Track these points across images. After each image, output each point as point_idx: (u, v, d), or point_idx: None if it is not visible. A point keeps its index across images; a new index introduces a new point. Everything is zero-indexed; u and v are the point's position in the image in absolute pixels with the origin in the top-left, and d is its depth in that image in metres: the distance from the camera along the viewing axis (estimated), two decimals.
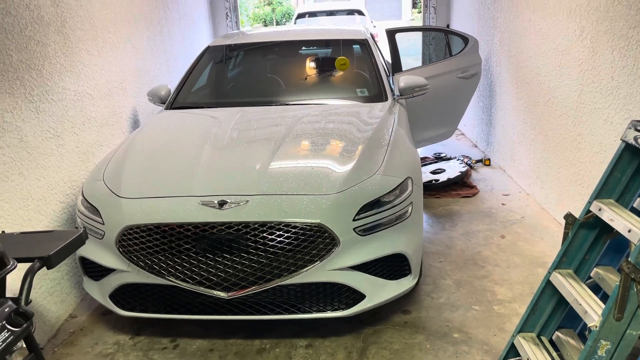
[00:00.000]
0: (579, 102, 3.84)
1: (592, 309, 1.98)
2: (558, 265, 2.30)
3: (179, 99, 4.23)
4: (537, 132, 4.68)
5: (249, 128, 3.52)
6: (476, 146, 6.70)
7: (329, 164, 2.99)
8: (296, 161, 3.05)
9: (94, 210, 2.91)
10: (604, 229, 2.23)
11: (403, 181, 2.96)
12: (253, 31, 5.12)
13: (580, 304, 2.03)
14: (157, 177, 2.99)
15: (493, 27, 5.82)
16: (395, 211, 2.86)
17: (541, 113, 4.55)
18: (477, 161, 5.97)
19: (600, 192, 2.19)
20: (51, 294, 3.17)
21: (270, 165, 2.98)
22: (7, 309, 1.62)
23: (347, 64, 4.18)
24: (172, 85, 5.39)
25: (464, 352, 2.82)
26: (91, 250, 2.94)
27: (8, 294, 1.80)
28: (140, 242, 2.77)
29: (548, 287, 2.33)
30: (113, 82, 4.13)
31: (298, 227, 2.68)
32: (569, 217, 2.26)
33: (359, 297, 2.84)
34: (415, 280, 3.05)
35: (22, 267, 1.86)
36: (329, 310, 2.83)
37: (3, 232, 2.17)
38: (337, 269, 2.75)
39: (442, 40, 7.75)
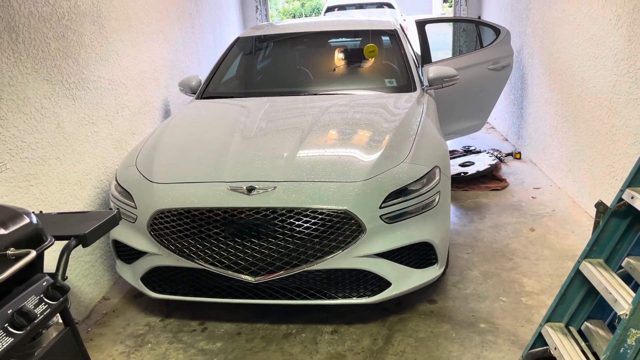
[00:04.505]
0: (614, 92, 3.75)
1: (622, 298, 1.95)
2: (588, 254, 2.26)
3: (209, 89, 4.30)
4: (569, 125, 4.59)
5: (277, 117, 3.55)
6: (507, 140, 6.61)
7: (356, 153, 3.00)
8: (323, 149, 3.07)
9: (127, 194, 2.99)
10: (637, 217, 2.19)
11: (430, 170, 2.95)
12: (282, 23, 5.16)
13: (610, 293, 2.00)
14: (188, 163, 3.06)
15: (526, 18, 5.72)
16: (422, 200, 2.86)
17: (574, 105, 4.46)
18: (508, 154, 5.89)
19: (634, 180, 2.15)
20: (85, 276, 3.27)
21: (298, 153, 3.01)
22: (45, 282, 1.68)
23: (376, 51, 4.16)
24: (203, 76, 5.48)
25: (490, 342, 2.81)
26: (124, 234, 3.03)
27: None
28: (171, 226, 2.83)
29: (577, 277, 2.30)
30: (146, 72, 4.22)
31: (325, 213, 2.71)
32: (600, 205, 2.22)
33: (384, 284, 2.85)
34: (442, 269, 3.04)
35: (59, 245, 1.93)
36: (354, 296, 2.85)
37: (41, 212, 2.25)
38: (363, 256, 2.77)
39: (473, 32, 7.65)
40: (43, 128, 2.90)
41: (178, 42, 5.03)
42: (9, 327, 1.46)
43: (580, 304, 2.33)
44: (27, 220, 1.64)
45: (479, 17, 7.71)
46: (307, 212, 2.71)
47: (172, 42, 4.88)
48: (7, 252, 1.51)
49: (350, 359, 2.74)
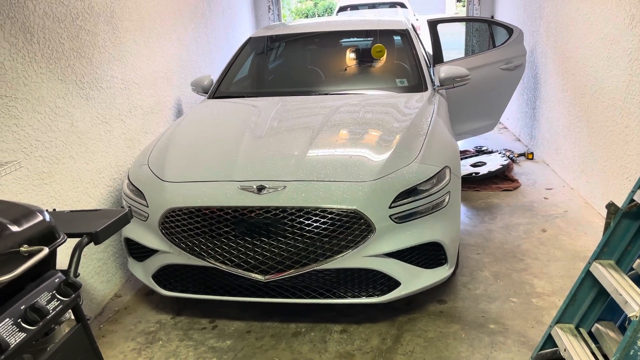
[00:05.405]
0: (627, 93, 3.71)
1: (632, 299, 1.93)
2: (599, 255, 2.25)
3: (221, 89, 4.33)
4: (582, 125, 4.55)
5: (288, 117, 3.57)
6: (519, 140, 6.56)
7: (366, 152, 3.00)
8: (333, 149, 3.07)
9: (139, 193, 3.03)
10: None
11: (440, 170, 2.94)
12: (294, 23, 5.17)
13: (621, 294, 1.99)
14: (199, 162, 3.08)
15: (539, 17, 5.68)
16: (432, 200, 2.86)
17: (587, 105, 4.42)
18: (520, 155, 5.85)
19: None
20: (98, 274, 3.31)
21: (308, 153, 3.02)
22: (57, 279, 1.71)
23: (384, 51, 4.16)
24: (215, 76, 5.52)
25: (500, 343, 2.80)
26: (136, 232, 3.06)
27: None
28: (181, 224, 2.86)
29: (588, 278, 2.28)
30: (158, 71, 4.26)
31: (334, 213, 2.71)
32: (611, 206, 2.20)
33: (393, 284, 2.85)
34: (452, 269, 3.03)
35: (72, 243, 1.96)
36: (363, 296, 2.86)
37: (54, 209, 2.28)
38: (373, 256, 2.77)
39: (486, 32, 7.61)
40: (57, 127, 2.94)
41: (191, 42, 5.07)
42: (21, 323, 1.49)
43: (591, 306, 2.31)
44: (40, 218, 1.66)
45: (492, 17, 7.66)
46: (317, 212, 2.72)
47: (185, 42, 4.92)
48: (21, 249, 1.54)
49: (359, 358, 2.75)
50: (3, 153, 2.55)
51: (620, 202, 3.81)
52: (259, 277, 2.80)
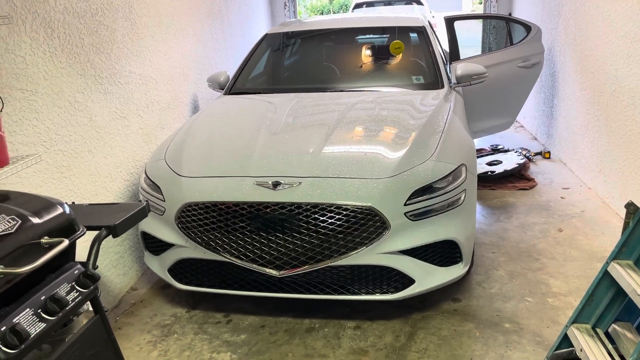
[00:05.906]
0: None
1: None
2: (617, 255, 2.22)
3: (237, 85, 4.35)
4: (601, 124, 4.50)
5: (304, 114, 3.57)
6: (536, 139, 6.50)
7: (381, 149, 3.00)
8: (349, 146, 3.07)
9: (156, 187, 3.06)
10: None
11: (456, 168, 2.93)
12: (310, 19, 5.17)
13: (639, 295, 1.96)
14: (215, 158, 3.10)
15: (558, 15, 5.61)
16: (448, 197, 2.84)
17: (606, 104, 4.37)
18: (537, 154, 5.79)
19: None
20: (115, 267, 3.35)
21: (323, 149, 3.02)
22: (77, 271, 1.74)
23: (402, 48, 4.15)
24: (231, 72, 5.54)
25: (515, 342, 2.78)
26: (152, 226, 3.09)
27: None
28: (198, 219, 2.88)
29: (605, 278, 2.26)
30: (175, 67, 4.29)
31: (349, 209, 2.72)
32: (630, 205, 2.18)
33: (408, 281, 2.85)
34: (466, 268, 3.02)
35: (90, 236, 1.99)
36: (377, 293, 2.86)
37: (73, 202, 2.31)
38: (387, 253, 2.77)
39: (503, 29, 7.54)
40: (76, 121, 2.98)
41: (207, 38, 5.10)
42: (42, 313, 1.52)
43: (608, 306, 2.29)
44: (60, 211, 1.69)
45: (510, 14, 7.59)
46: (332, 208, 2.73)
47: (202, 38, 4.94)
48: (41, 240, 1.57)
49: (373, 354, 2.75)
50: (24, 146, 2.59)
51: (639, 202, 3.76)
52: (273, 272, 2.82)
